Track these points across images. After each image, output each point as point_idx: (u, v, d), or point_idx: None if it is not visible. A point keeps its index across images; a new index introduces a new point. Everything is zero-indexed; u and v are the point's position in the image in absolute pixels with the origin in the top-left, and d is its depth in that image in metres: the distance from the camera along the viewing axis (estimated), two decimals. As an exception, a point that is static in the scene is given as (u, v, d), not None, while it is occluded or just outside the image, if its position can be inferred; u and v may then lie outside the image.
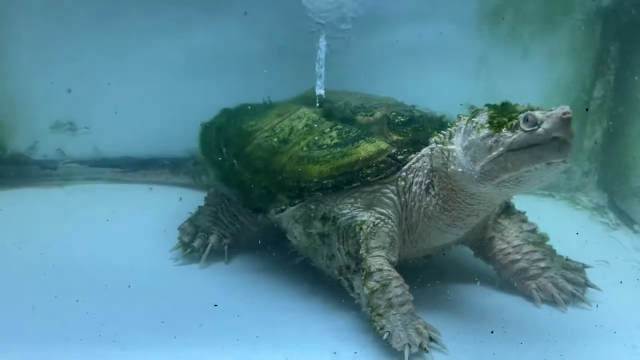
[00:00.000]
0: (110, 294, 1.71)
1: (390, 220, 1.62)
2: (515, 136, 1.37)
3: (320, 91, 1.72)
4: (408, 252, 1.69)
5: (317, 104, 1.84)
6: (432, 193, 1.60)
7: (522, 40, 2.42)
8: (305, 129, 1.80)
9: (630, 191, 2.36)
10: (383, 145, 1.65)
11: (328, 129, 1.75)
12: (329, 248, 1.63)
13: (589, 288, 1.76)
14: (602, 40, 2.42)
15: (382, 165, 1.62)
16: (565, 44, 2.44)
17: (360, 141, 1.67)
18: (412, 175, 1.63)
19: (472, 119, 1.49)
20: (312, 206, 1.65)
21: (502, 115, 1.42)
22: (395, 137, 1.67)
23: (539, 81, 2.47)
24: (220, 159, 1.96)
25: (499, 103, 1.47)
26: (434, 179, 1.59)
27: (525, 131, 1.35)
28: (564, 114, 1.31)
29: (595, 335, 1.61)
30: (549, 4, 2.36)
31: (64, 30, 2.27)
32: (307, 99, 2.00)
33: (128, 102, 2.39)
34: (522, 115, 1.37)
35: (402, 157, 1.64)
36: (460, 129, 1.53)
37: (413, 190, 1.63)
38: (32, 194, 2.37)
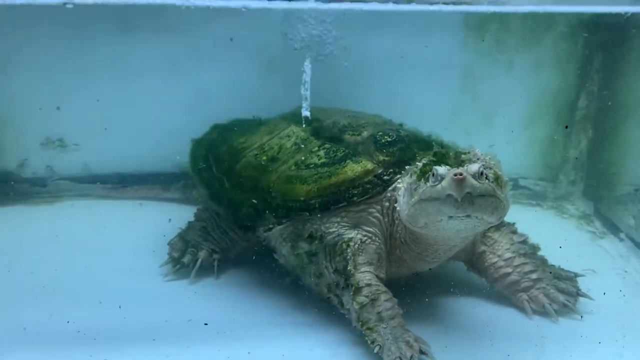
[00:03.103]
0: (101, 313, 1.71)
1: (377, 238, 1.65)
2: (424, 187, 1.45)
3: (305, 113, 1.75)
4: (395, 272, 1.71)
5: (304, 125, 1.87)
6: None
7: (507, 52, 2.45)
8: (293, 147, 1.82)
9: (615, 199, 2.40)
10: (369, 165, 1.68)
11: (316, 148, 1.77)
12: (316, 266, 1.65)
13: (581, 297, 1.78)
14: (585, 52, 2.46)
15: (368, 185, 1.65)
16: (550, 56, 2.47)
17: (347, 161, 1.70)
18: (396, 197, 1.63)
19: (417, 163, 1.55)
20: (299, 225, 1.67)
21: (431, 164, 1.48)
22: (381, 157, 1.69)
23: (525, 92, 2.50)
24: (210, 176, 1.97)
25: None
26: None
27: (430, 185, 1.43)
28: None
29: (580, 346, 1.63)
30: (532, 17, 2.40)
31: (52, 48, 2.27)
32: (298, 116, 2.00)
33: (117, 119, 2.40)
34: (433, 170, 1.44)
35: (387, 177, 1.66)
36: (410, 169, 1.58)
37: (396, 213, 1.63)
38: (21, 212, 2.36)
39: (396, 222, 1.64)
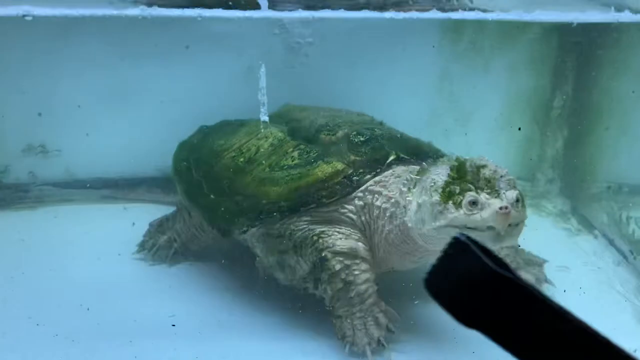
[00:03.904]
0: (82, 317, 1.73)
1: (354, 231, 1.63)
2: (456, 214, 1.38)
3: (264, 118, 1.75)
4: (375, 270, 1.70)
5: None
6: (395, 223, 1.58)
7: (483, 54, 2.49)
8: (270, 148, 1.80)
9: (590, 197, 2.45)
10: (339, 165, 1.65)
11: (291, 149, 1.75)
12: (288, 263, 1.65)
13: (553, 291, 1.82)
14: (559, 53, 2.50)
15: (337, 186, 1.62)
16: (525, 57, 2.52)
17: (318, 162, 1.67)
18: (372, 197, 1.62)
19: (433, 177, 1.48)
20: (270, 226, 1.68)
21: (456, 183, 1.41)
22: (352, 158, 1.67)
23: (501, 93, 2.54)
24: (189, 179, 1.97)
25: (468, 160, 1.44)
26: (398, 212, 1.57)
27: (466, 213, 1.37)
28: (501, 208, 1.32)
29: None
30: (507, 20, 2.44)
31: (31, 55, 2.29)
32: (280, 117, 2.02)
33: (99, 124, 2.42)
34: (468, 196, 1.37)
35: (357, 177, 1.63)
36: (420, 181, 1.52)
37: (375, 213, 1.62)
38: (4, 218, 2.37)
39: (380, 223, 1.60)
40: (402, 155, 1.65)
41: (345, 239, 1.59)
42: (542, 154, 2.63)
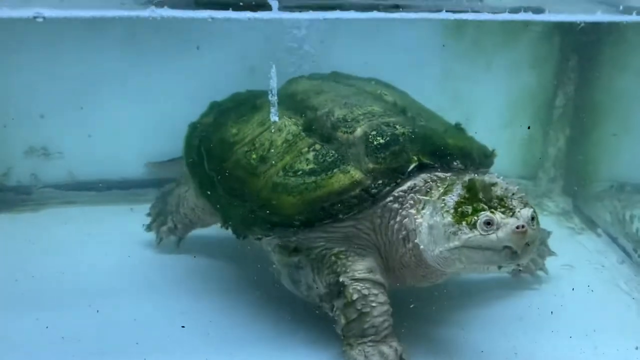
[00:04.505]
0: (90, 319, 1.73)
1: (372, 251, 1.56)
2: (471, 235, 1.34)
3: (274, 118, 1.69)
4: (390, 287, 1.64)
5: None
6: (409, 246, 1.53)
7: (486, 53, 2.50)
8: (284, 145, 1.69)
9: (593, 196, 2.45)
10: (357, 175, 1.54)
11: (306, 149, 1.64)
12: (305, 279, 1.60)
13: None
14: (561, 52, 2.51)
15: (354, 200, 1.52)
16: (527, 56, 2.53)
17: (334, 170, 1.56)
18: (389, 215, 1.54)
19: (443, 197, 1.43)
20: (284, 238, 1.61)
21: (468, 203, 1.38)
22: (370, 166, 1.55)
23: (503, 92, 2.55)
24: (202, 172, 1.87)
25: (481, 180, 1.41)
26: (409, 234, 1.51)
27: (481, 234, 1.33)
28: (518, 227, 1.30)
29: (553, 340, 1.67)
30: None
31: (33, 58, 2.28)
32: (292, 99, 1.87)
33: (102, 126, 2.41)
34: (482, 216, 1.34)
35: (375, 190, 1.52)
36: (430, 202, 1.47)
37: (390, 233, 1.55)
38: (6, 220, 2.36)
39: (395, 244, 1.54)
40: (424, 161, 1.55)
41: (362, 260, 1.53)
42: (545, 153, 2.64)
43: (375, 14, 2.08)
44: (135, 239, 2.16)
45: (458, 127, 1.86)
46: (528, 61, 2.53)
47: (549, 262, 1.98)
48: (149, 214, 2.16)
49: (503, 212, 1.33)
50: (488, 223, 1.33)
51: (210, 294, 1.88)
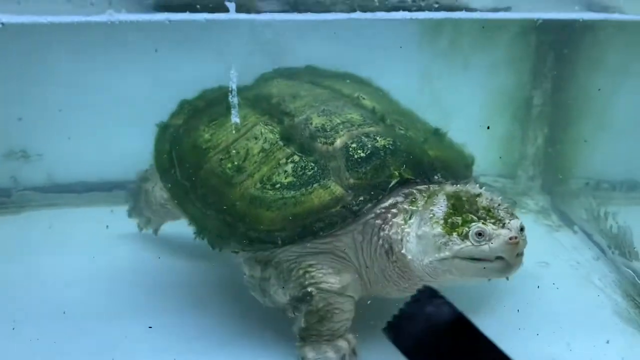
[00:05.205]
0: (62, 321, 1.73)
1: (347, 264, 1.54)
2: (462, 246, 1.35)
3: (235, 119, 1.70)
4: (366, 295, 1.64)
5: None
6: (392, 259, 1.51)
7: (463, 53, 2.52)
8: (260, 154, 1.63)
9: (569, 193, 2.48)
10: (338, 192, 1.50)
11: (284, 160, 1.59)
12: (269, 290, 1.59)
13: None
14: (538, 51, 2.54)
15: (335, 217, 1.48)
16: (504, 55, 2.55)
17: (314, 185, 1.52)
18: (370, 231, 1.52)
19: (431, 207, 1.42)
20: (259, 252, 1.58)
21: (457, 214, 1.38)
22: (352, 181, 1.51)
23: (481, 91, 2.57)
24: (173, 180, 1.80)
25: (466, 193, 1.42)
26: (393, 246, 1.50)
27: (473, 244, 1.34)
28: (510, 238, 1.31)
29: (523, 336, 1.67)
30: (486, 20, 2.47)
31: (10, 60, 2.29)
32: (267, 100, 1.83)
33: (81, 127, 2.41)
34: (474, 227, 1.34)
35: (357, 207, 1.48)
36: (417, 212, 1.46)
37: (372, 248, 1.53)
38: (-14, 223, 2.37)
39: (377, 258, 1.52)
40: (406, 176, 1.52)
41: (337, 274, 1.52)
42: (523, 152, 2.66)
43: (353, 15, 2.10)
44: (116, 240, 2.17)
45: (438, 133, 1.83)
46: (505, 60, 2.55)
47: (528, 258, 1.98)
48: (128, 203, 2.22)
49: (493, 223, 1.35)
50: (480, 234, 1.33)
51: (186, 298, 1.88)
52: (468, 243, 1.35)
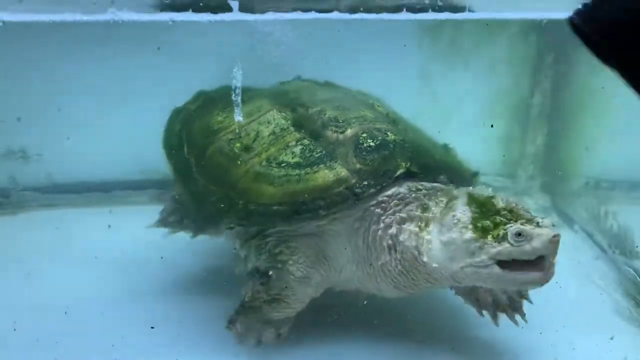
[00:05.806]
0: (63, 322, 1.72)
1: (318, 263, 1.54)
2: (501, 248, 1.32)
3: (238, 118, 1.69)
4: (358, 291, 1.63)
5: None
6: (395, 256, 1.48)
7: (462, 52, 2.52)
8: (270, 137, 1.63)
9: (570, 193, 2.49)
10: (343, 173, 1.50)
11: (293, 142, 1.59)
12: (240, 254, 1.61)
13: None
14: (537, 51, 2.54)
15: (337, 198, 1.47)
16: (504, 55, 2.56)
17: (320, 165, 1.52)
18: (370, 219, 1.50)
19: (452, 214, 1.40)
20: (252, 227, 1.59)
21: (484, 217, 1.36)
22: (358, 166, 1.51)
23: (481, 90, 2.58)
24: (179, 157, 1.80)
25: (478, 196, 1.40)
26: (398, 246, 1.47)
27: (513, 245, 1.32)
28: (554, 236, 1.32)
29: (526, 335, 1.68)
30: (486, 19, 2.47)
31: (9, 59, 2.28)
32: (286, 97, 1.84)
33: (80, 128, 2.40)
34: (513, 228, 1.32)
35: (359, 190, 1.47)
36: (435, 219, 1.42)
37: (370, 238, 1.50)
38: (-16, 223, 2.36)
39: (375, 249, 1.50)
40: (412, 170, 1.52)
41: (306, 267, 1.52)
42: (523, 151, 2.66)
43: (355, 16, 2.10)
44: (115, 241, 2.15)
45: (446, 148, 1.84)
46: (505, 60, 2.56)
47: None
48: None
49: (529, 223, 1.34)
50: (519, 234, 1.32)
51: (185, 296, 1.88)
52: (506, 245, 1.32)
